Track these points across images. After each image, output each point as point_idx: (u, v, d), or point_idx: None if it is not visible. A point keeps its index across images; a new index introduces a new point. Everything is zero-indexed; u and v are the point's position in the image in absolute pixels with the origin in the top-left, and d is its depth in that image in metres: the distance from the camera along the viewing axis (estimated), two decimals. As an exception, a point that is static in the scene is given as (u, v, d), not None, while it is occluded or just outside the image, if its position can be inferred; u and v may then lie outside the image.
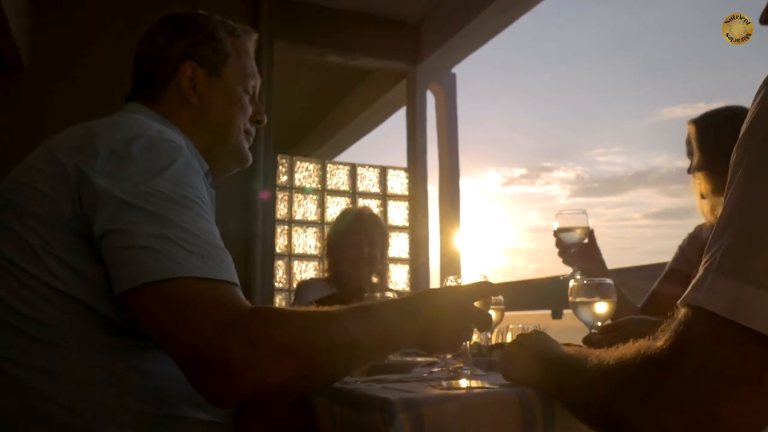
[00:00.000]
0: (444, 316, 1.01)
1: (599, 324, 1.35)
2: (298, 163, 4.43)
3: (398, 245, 4.56)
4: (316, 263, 4.39)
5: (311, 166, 4.46)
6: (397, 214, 4.64)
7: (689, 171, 1.87)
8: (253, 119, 1.35)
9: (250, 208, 4.03)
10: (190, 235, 0.90)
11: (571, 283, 1.38)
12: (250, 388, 0.84)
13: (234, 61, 1.30)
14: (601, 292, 1.35)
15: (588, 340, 1.32)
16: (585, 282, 1.38)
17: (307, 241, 4.39)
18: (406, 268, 4.57)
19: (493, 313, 1.66)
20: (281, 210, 4.33)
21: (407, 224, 4.63)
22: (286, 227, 4.34)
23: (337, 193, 4.51)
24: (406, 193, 4.68)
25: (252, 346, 0.83)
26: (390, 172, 4.68)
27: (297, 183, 4.39)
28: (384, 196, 4.63)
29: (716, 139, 1.77)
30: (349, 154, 6.34)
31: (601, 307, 1.34)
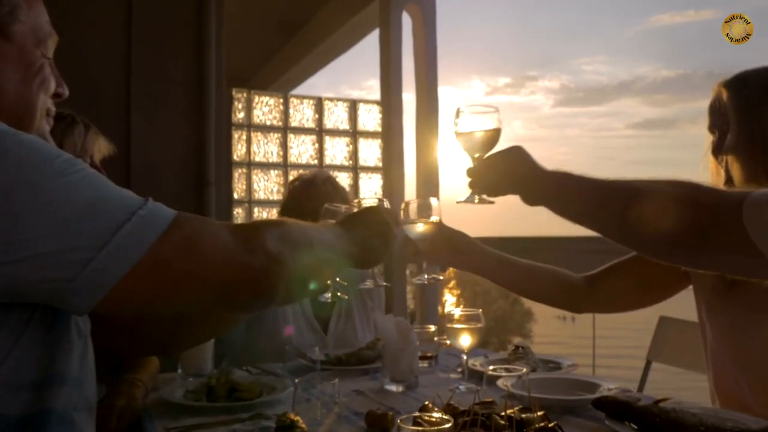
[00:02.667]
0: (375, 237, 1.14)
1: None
2: (257, 97, 3.92)
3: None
4: (279, 209, 3.98)
5: (272, 101, 3.96)
6: (369, 153, 4.20)
7: (715, 151, 1.40)
8: (54, 94, 0.99)
9: (201, 151, 3.57)
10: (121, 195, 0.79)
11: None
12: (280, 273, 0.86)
13: (26, 14, 0.92)
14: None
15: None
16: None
17: (268, 186, 3.95)
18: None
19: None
20: (239, 151, 3.86)
21: (380, 164, 4.20)
22: (244, 170, 3.88)
23: (301, 131, 4.03)
24: (379, 129, 4.22)
25: (265, 239, 0.86)
26: (361, 106, 4.20)
27: (256, 120, 3.91)
28: (354, 133, 4.17)
29: (761, 112, 1.32)
30: (315, 86, 5.80)
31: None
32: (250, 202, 3.90)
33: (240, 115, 3.85)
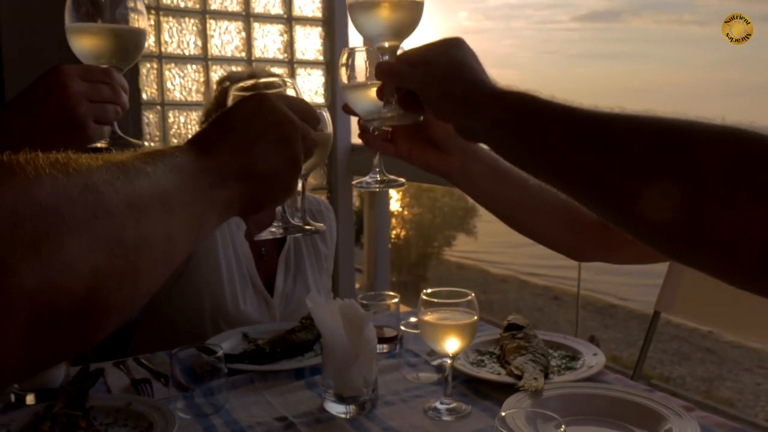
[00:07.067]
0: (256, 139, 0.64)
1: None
2: (165, -28, 3.15)
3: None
4: (199, 113, 3.31)
5: (185, -23, 3.19)
6: (308, 44, 3.52)
7: None
8: None
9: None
10: None
11: None
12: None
13: None
14: None
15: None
16: None
17: (185, 84, 3.26)
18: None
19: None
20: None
21: (322, 58, 3.54)
22: (154, 64, 3.17)
23: (223, 15, 3.30)
24: (320, 15, 3.52)
25: None
26: (297, -14, 3.46)
27: (166, 1, 3.15)
28: (290, 20, 3.46)
29: None
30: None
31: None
32: (163, 104, 3.20)
33: (145, -5, 3.10)
